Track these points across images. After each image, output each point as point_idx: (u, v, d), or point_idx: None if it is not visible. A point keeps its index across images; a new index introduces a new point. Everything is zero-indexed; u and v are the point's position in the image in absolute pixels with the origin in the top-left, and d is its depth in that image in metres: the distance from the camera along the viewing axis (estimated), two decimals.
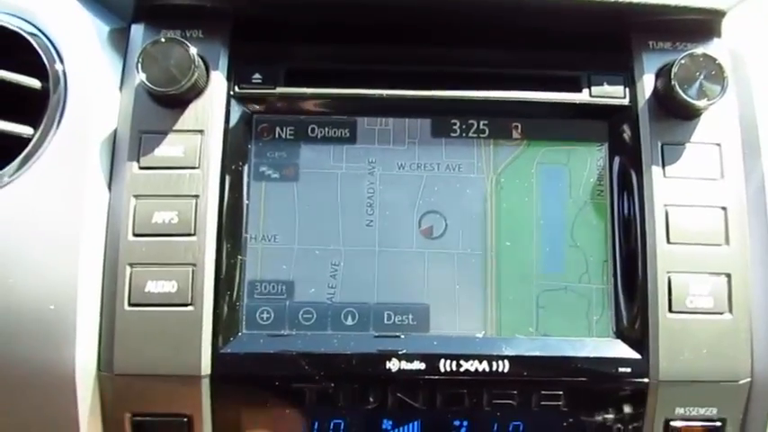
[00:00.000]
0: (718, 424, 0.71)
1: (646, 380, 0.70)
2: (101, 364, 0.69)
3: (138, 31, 0.76)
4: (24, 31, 0.74)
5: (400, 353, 0.69)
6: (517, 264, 0.73)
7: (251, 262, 0.72)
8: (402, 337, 0.70)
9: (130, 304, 0.68)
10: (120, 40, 0.76)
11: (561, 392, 0.70)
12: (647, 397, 0.70)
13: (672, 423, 0.71)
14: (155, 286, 0.68)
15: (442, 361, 0.69)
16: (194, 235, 0.70)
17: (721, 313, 0.70)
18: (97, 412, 0.69)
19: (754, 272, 0.72)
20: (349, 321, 0.71)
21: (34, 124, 0.72)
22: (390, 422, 0.71)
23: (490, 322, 0.72)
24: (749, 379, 0.71)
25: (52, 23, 0.75)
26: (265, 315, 0.71)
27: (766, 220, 0.72)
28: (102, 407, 0.70)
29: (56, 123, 0.72)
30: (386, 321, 0.71)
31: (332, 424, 0.71)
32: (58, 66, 0.73)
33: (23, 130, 0.72)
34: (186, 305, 0.68)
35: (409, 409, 0.71)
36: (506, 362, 0.70)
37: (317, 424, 0.71)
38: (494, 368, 0.69)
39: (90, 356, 0.69)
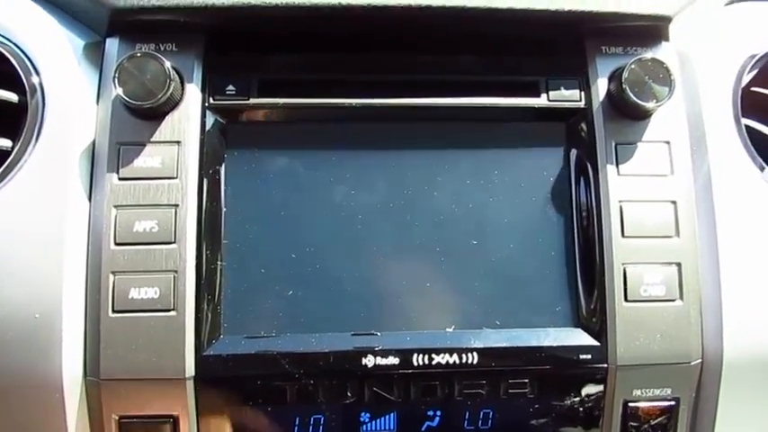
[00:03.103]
0: (673, 403, 0.75)
1: (605, 365, 0.73)
2: (87, 370, 0.70)
3: (112, 44, 0.76)
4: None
5: (375, 349, 0.72)
6: (483, 260, 0.75)
7: (230, 267, 0.73)
8: (376, 334, 0.73)
9: (114, 311, 0.70)
10: (95, 54, 0.77)
11: (527, 380, 0.74)
12: (607, 381, 0.74)
13: (630, 404, 0.75)
14: (137, 293, 0.70)
15: (415, 355, 0.72)
16: (175, 243, 0.71)
17: (673, 300, 0.74)
18: (85, 417, 0.71)
19: (703, 260, 0.75)
20: (326, 321, 0.73)
21: (13, 137, 0.73)
22: (368, 415, 0.74)
23: (459, 317, 0.74)
24: (700, 360, 0.75)
25: (27, 38, 0.75)
26: (246, 317, 0.72)
27: (713, 211, 0.76)
28: (90, 411, 0.71)
29: (35, 136, 0.72)
30: (361, 320, 0.73)
31: (312, 419, 0.73)
32: (35, 79, 0.74)
33: (2, 142, 0.72)
34: (169, 310, 0.70)
35: (385, 401, 0.73)
36: (475, 354, 0.72)
37: (297, 419, 0.73)
38: (463, 360, 0.72)
39: (76, 363, 0.70)
